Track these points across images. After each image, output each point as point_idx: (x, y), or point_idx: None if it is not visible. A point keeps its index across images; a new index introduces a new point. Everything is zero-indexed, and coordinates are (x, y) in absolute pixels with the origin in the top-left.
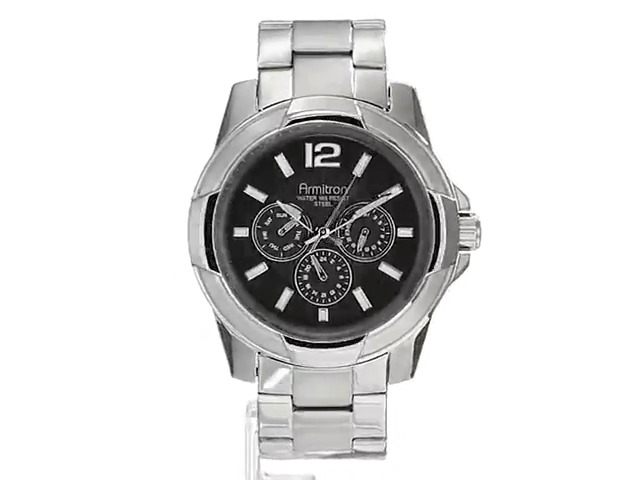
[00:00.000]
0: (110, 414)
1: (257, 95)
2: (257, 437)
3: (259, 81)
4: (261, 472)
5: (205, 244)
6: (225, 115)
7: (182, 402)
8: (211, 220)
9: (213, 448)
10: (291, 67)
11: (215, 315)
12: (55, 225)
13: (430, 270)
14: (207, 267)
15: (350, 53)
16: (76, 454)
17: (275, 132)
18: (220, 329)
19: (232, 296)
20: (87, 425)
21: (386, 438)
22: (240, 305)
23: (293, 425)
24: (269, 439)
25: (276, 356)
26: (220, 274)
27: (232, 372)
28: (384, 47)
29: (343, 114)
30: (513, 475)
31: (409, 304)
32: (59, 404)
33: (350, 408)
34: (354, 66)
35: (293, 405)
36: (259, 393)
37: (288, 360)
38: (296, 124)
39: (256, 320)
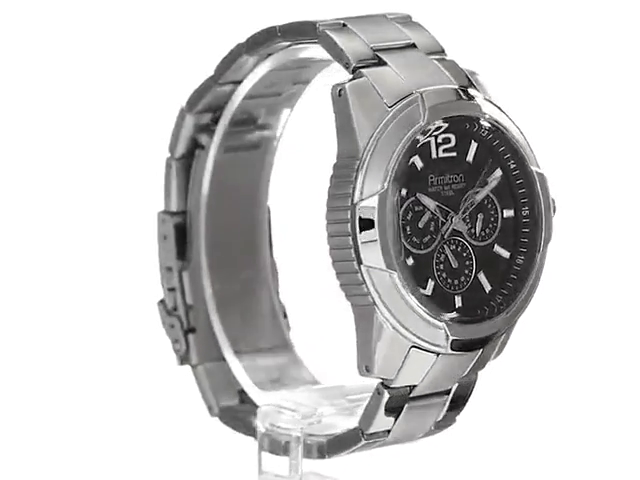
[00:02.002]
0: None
1: (378, 93)
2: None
3: (368, 79)
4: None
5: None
6: (349, 116)
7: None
8: None
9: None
10: (383, 63)
11: (378, 313)
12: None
13: (539, 247)
14: (383, 266)
15: (414, 45)
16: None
17: (418, 127)
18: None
19: (406, 292)
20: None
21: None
22: (413, 300)
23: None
24: (371, 435)
25: (434, 348)
26: (393, 271)
27: (371, 371)
28: (435, 37)
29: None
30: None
31: (526, 282)
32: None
33: (449, 391)
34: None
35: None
36: (389, 388)
37: (443, 349)
38: (435, 117)
39: (425, 313)
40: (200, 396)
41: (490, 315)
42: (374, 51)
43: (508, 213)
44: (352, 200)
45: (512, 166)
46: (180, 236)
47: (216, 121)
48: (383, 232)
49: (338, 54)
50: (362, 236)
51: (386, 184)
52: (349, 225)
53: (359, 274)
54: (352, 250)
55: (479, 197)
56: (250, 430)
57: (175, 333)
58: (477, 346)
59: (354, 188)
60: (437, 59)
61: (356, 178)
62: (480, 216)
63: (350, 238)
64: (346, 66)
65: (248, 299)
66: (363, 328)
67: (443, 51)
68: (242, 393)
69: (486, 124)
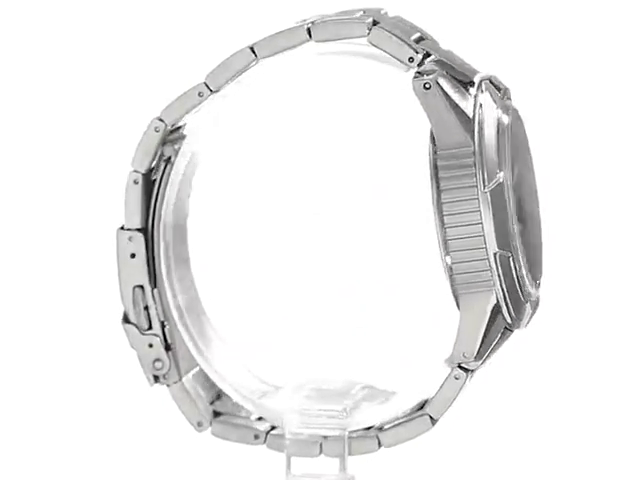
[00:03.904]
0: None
1: (456, 82)
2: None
3: (441, 70)
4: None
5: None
6: (447, 107)
7: None
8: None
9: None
10: (429, 54)
11: (494, 297)
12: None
13: (538, 215)
14: (508, 250)
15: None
16: None
17: (498, 112)
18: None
19: (515, 273)
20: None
21: None
22: (520, 280)
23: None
24: (436, 421)
25: (515, 327)
26: (510, 254)
27: (469, 356)
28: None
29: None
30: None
31: (541, 251)
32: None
33: None
34: None
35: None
36: (468, 371)
37: (521, 328)
38: (502, 101)
39: (522, 293)
40: (183, 415)
41: (536, 288)
42: (416, 43)
43: None
44: (478, 189)
45: None
46: (150, 253)
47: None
48: (508, 216)
49: (398, 49)
50: (495, 222)
51: (500, 170)
52: (479, 214)
53: (486, 260)
54: (482, 237)
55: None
56: (248, 437)
57: (155, 352)
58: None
59: (477, 177)
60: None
61: (476, 167)
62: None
63: (481, 226)
64: (410, 60)
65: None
66: (473, 315)
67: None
68: (220, 399)
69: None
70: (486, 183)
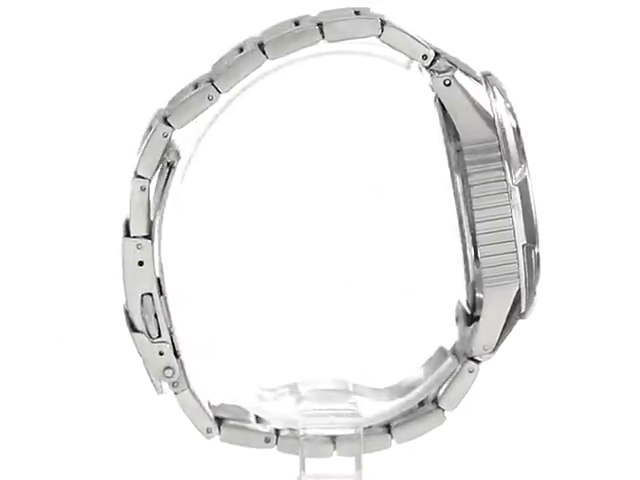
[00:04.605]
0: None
1: (471, 78)
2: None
3: (456, 66)
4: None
5: None
6: (468, 104)
7: None
8: None
9: None
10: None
11: (517, 288)
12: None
13: None
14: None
15: None
16: None
17: (507, 107)
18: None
19: (535, 266)
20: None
21: None
22: (538, 272)
23: None
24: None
25: (523, 317)
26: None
27: (489, 348)
28: None
29: None
30: None
31: None
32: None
33: None
34: None
35: None
36: (479, 362)
37: (527, 318)
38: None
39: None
40: (192, 422)
41: None
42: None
43: None
44: (508, 183)
45: None
46: (157, 260)
47: None
48: (532, 208)
49: (413, 47)
50: (523, 215)
51: (521, 165)
52: (509, 207)
53: (515, 253)
54: (511, 230)
55: None
56: (258, 441)
57: (166, 360)
58: None
59: (505, 171)
60: None
61: (503, 161)
62: None
63: (510, 219)
64: (424, 58)
65: None
66: (496, 308)
67: None
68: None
69: None
70: (514, 177)
